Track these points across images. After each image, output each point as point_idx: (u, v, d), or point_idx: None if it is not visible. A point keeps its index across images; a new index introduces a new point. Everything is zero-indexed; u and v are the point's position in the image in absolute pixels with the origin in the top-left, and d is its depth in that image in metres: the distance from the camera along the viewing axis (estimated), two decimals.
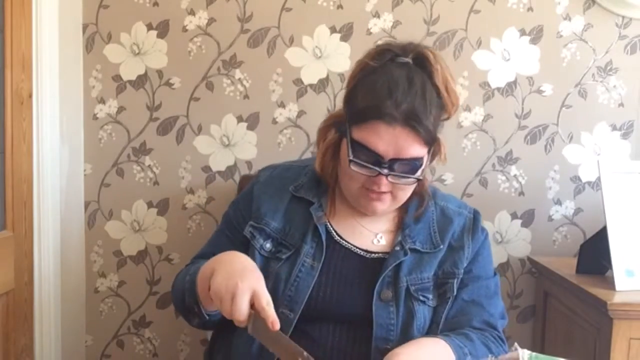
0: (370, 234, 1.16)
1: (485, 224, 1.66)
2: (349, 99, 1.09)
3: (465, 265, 1.14)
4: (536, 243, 1.67)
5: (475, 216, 1.19)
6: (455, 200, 1.24)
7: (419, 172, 1.05)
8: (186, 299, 1.08)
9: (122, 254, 1.70)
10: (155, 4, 1.63)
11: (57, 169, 1.53)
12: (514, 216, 1.67)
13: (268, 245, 1.14)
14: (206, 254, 1.20)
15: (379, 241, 1.15)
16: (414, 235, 1.14)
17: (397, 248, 1.12)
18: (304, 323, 1.08)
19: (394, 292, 1.09)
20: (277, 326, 0.89)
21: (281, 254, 1.13)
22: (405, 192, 1.10)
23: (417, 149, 1.03)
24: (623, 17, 1.61)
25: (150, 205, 1.69)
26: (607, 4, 1.60)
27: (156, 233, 1.69)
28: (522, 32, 1.62)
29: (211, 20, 1.63)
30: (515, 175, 1.66)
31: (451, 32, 1.63)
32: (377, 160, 1.03)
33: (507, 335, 1.67)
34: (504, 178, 1.66)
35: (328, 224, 1.15)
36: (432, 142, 1.05)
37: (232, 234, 1.20)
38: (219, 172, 1.67)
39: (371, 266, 1.12)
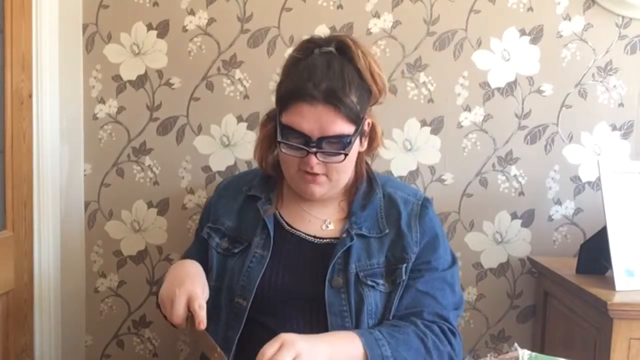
0: (319, 221, 1.21)
1: (485, 224, 1.66)
2: (277, 89, 1.17)
3: (415, 250, 1.17)
4: (536, 243, 1.67)
5: (424, 203, 1.24)
6: (407, 188, 1.29)
7: (346, 149, 1.10)
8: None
9: (122, 254, 1.70)
10: (155, 4, 1.63)
11: (57, 169, 1.53)
12: (514, 216, 1.67)
13: (224, 244, 1.22)
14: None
15: (327, 227, 1.21)
16: (361, 222, 1.18)
17: (344, 235, 1.17)
18: (261, 314, 1.14)
19: (344, 278, 1.13)
20: (202, 326, 0.98)
21: (235, 248, 1.20)
22: (340, 173, 1.15)
23: (341, 126, 1.09)
24: (623, 17, 1.61)
25: (150, 205, 1.69)
26: (607, 4, 1.60)
27: (156, 233, 1.69)
28: (522, 32, 1.62)
29: (211, 20, 1.63)
30: (515, 175, 1.66)
31: (451, 32, 1.63)
32: (305, 140, 1.09)
33: (507, 335, 1.69)
34: (504, 178, 1.66)
35: (278, 214, 1.21)
36: (357, 120, 1.11)
37: (199, 241, 1.30)
38: (219, 172, 1.67)
39: (321, 251, 1.17)
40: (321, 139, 1.08)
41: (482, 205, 1.66)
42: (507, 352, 0.96)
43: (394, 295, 1.14)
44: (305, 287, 1.13)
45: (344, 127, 1.09)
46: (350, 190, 1.23)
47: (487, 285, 1.67)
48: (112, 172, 1.68)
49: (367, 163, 1.26)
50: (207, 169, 1.67)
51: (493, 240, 1.67)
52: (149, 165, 1.68)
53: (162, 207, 1.69)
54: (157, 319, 1.71)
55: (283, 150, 1.12)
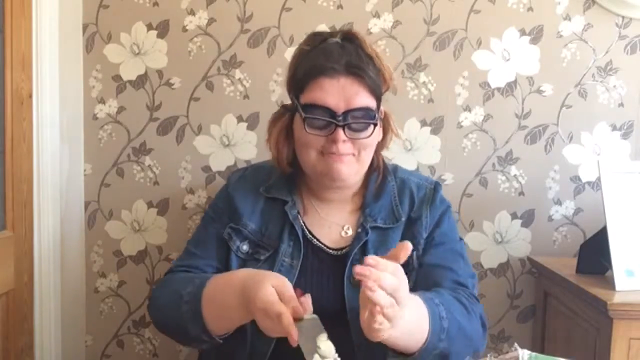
0: (338, 227, 1.18)
1: (485, 224, 1.66)
2: (290, 79, 1.13)
3: (424, 235, 1.15)
4: (536, 243, 1.67)
5: (436, 187, 1.22)
6: (419, 174, 1.28)
7: (374, 121, 1.07)
8: (191, 331, 1.04)
9: (122, 254, 1.70)
10: (155, 4, 1.63)
11: (57, 169, 1.53)
12: (514, 216, 1.67)
13: (245, 247, 1.16)
14: (191, 254, 1.21)
15: (346, 233, 1.18)
16: (375, 213, 1.16)
17: (359, 230, 1.14)
18: None
19: None
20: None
21: (259, 254, 1.15)
22: (367, 150, 1.11)
23: (365, 98, 1.06)
24: (623, 17, 1.61)
25: (150, 205, 1.69)
26: (607, 4, 1.60)
27: (156, 233, 1.69)
28: (522, 32, 1.62)
29: (211, 20, 1.63)
30: (515, 175, 1.66)
31: (451, 32, 1.63)
32: (331, 115, 1.05)
33: (507, 335, 1.69)
34: (504, 178, 1.66)
35: (301, 220, 1.17)
36: (378, 95, 1.08)
37: (210, 233, 1.21)
38: (219, 172, 1.67)
39: (342, 263, 1.14)
40: (347, 112, 1.04)
41: (482, 205, 1.66)
42: (507, 352, 0.96)
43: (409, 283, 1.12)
44: (329, 297, 1.10)
45: (369, 100, 1.06)
46: (364, 183, 1.20)
47: (487, 285, 1.67)
48: (112, 172, 1.68)
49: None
50: (207, 169, 1.67)
51: (493, 240, 1.67)
52: (149, 165, 1.68)
53: (162, 207, 1.69)
54: None
55: (308, 130, 1.06)
